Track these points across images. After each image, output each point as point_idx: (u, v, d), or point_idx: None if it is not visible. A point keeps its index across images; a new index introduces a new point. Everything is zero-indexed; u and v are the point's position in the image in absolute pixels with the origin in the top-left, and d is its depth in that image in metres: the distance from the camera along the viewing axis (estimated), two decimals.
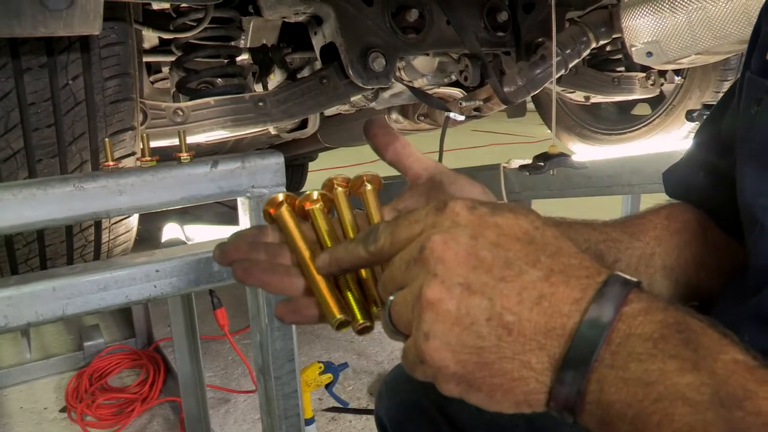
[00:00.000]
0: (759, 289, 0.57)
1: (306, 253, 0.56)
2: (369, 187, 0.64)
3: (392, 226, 0.48)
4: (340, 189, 0.63)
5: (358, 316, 0.54)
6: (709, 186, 0.74)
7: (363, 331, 0.54)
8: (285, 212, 0.60)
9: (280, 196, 0.60)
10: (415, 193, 0.64)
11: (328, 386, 1.82)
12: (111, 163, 0.96)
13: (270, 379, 1.17)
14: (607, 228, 0.73)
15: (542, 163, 1.75)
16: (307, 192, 0.61)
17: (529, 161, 2.06)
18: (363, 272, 0.56)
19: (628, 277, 0.42)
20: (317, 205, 0.61)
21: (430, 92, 2.16)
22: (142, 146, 1.04)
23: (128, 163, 1.37)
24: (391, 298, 0.47)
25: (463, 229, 0.44)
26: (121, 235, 1.51)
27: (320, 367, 1.77)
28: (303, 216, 0.61)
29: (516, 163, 2.14)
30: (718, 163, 0.72)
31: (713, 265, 0.72)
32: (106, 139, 0.98)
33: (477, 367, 0.42)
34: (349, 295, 0.55)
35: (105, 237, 1.46)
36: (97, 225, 1.42)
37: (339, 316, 0.53)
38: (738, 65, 2.46)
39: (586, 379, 0.40)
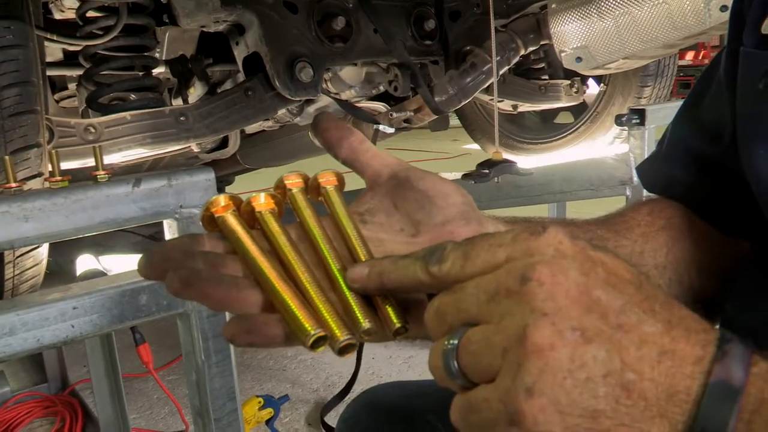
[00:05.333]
0: None
1: (264, 261, 0.46)
2: (331, 186, 0.54)
3: (465, 247, 0.40)
4: (295, 189, 0.53)
5: (338, 332, 0.44)
6: (693, 177, 0.70)
7: (344, 349, 0.44)
8: (231, 216, 0.49)
9: (222, 199, 0.50)
10: (377, 194, 0.55)
11: (268, 422, 1.71)
12: (13, 184, 0.87)
13: (210, 422, 1.06)
14: (591, 226, 0.68)
15: (487, 171, 1.70)
16: (254, 194, 0.50)
17: (456, 175, 2.01)
18: (345, 288, 0.46)
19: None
20: (268, 209, 0.51)
21: (357, 105, 2.10)
22: (50, 166, 0.92)
23: (34, 185, 1.22)
24: (454, 338, 0.38)
25: (571, 261, 0.36)
26: (29, 269, 1.35)
27: (260, 402, 1.66)
28: (249, 222, 0.50)
29: (451, 176, 2.09)
30: (703, 152, 0.68)
31: (704, 262, 0.69)
32: (6, 157, 0.88)
33: None
34: (323, 309, 0.45)
35: (9, 272, 1.31)
36: None
37: (314, 331, 0.43)
38: (656, 71, 2.52)
39: None
